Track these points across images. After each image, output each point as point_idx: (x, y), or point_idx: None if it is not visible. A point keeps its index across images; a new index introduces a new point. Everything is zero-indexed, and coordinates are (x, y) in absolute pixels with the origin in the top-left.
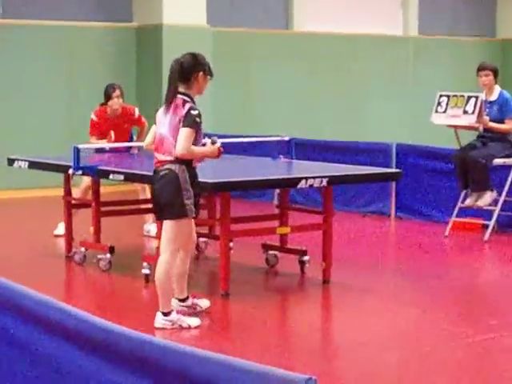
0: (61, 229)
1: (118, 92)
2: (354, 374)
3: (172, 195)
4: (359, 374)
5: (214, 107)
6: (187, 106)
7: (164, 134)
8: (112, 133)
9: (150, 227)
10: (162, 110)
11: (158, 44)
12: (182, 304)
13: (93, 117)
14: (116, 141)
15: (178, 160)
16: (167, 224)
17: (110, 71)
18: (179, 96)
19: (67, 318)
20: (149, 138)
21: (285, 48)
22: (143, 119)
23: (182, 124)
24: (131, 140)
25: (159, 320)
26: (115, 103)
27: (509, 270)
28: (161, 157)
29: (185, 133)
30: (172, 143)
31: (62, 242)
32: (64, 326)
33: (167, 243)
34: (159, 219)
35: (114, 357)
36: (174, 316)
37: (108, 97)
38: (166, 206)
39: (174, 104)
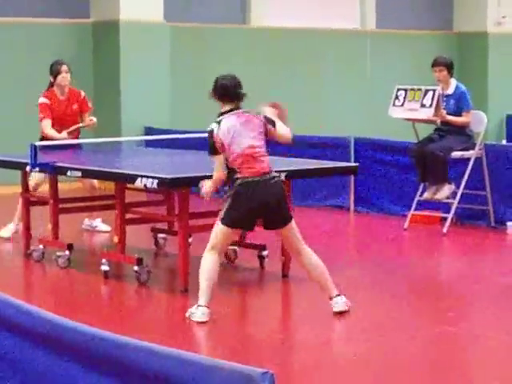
0: (6, 231)
1: (65, 67)
2: (312, 369)
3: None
4: (317, 368)
5: (172, 103)
6: None
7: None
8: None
9: (96, 223)
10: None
11: (115, 40)
12: None
13: (43, 100)
14: (67, 124)
15: None
16: (293, 223)
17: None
18: None
19: (24, 315)
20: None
21: (242, 43)
22: (89, 104)
23: None
24: (78, 130)
25: (340, 303)
26: (64, 79)
27: (467, 262)
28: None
29: None
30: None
31: (19, 240)
32: (21, 324)
33: (301, 239)
34: (285, 224)
35: (72, 354)
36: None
37: (56, 73)
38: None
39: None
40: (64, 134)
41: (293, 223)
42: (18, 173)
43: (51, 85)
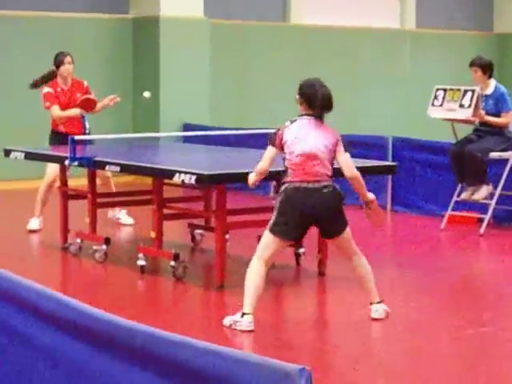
0: (34, 223)
1: (69, 58)
2: (349, 366)
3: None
4: (354, 366)
5: (212, 99)
6: None
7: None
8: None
9: (119, 215)
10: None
11: (155, 36)
12: None
13: (47, 89)
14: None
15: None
16: (346, 233)
17: (106, 63)
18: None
19: (64, 308)
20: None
21: (282, 40)
22: (92, 94)
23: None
24: (84, 121)
25: (380, 310)
26: (67, 69)
27: (504, 263)
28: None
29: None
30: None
31: (56, 234)
32: (60, 317)
33: (354, 245)
34: (338, 235)
35: (111, 347)
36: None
37: (59, 63)
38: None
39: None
40: (76, 110)
41: (345, 233)
42: (37, 167)
43: (54, 75)
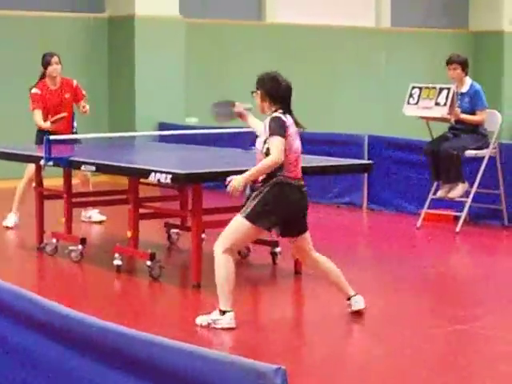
0: (10, 219)
1: (56, 58)
2: (324, 365)
3: None
4: (330, 365)
5: (187, 99)
6: None
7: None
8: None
9: (91, 213)
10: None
11: (130, 35)
12: None
13: (35, 90)
14: (62, 113)
15: None
16: (307, 234)
17: (81, 63)
18: None
19: (38, 309)
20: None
21: (257, 39)
22: (83, 91)
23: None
24: (73, 120)
25: (360, 301)
26: (55, 70)
27: (480, 261)
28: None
29: None
30: None
31: (32, 234)
32: (34, 317)
33: (312, 247)
34: (305, 231)
35: (84, 347)
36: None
37: (47, 64)
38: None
39: None
40: (48, 123)
41: (307, 234)
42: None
43: (43, 76)
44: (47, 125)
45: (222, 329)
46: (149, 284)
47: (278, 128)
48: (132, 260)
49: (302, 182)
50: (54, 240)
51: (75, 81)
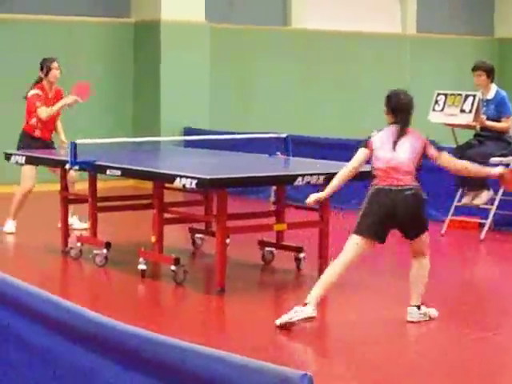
0: (10, 226)
1: (56, 64)
2: (349, 371)
3: (424, 211)
4: (355, 371)
5: (212, 104)
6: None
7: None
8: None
9: (72, 220)
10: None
11: (156, 40)
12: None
13: (35, 91)
14: (51, 121)
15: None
16: (424, 237)
17: (107, 67)
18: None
19: (63, 312)
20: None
21: (283, 45)
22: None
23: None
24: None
25: (414, 314)
26: (55, 75)
27: (505, 269)
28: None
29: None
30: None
31: (57, 237)
32: (59, 321)
33: (426, 249)
34: (418, 235)
35: (110, 352)
36: (424, 309)
37: (48, 69)
38: (424, 221)
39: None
40: (56, 107)
41: (424, 236)
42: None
43: (40, 80)
44: (55, 108)
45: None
46: (173, 289)
47: (362, 142)
48: (156, 265)
49: (400, 187)
50: (79, 244)
51: (62, 88)
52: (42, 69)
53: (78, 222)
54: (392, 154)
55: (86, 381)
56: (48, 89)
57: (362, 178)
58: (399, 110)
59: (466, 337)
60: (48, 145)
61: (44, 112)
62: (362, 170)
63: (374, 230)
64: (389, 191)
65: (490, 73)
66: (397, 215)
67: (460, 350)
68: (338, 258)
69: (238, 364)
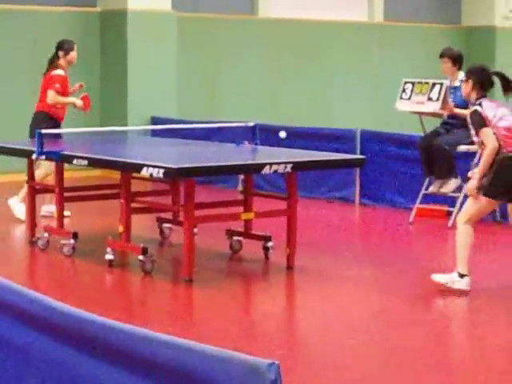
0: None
1: (76, 46)
2: (317, 359)
3: None
4: (322, 359)
5: (180, 93)
6: None
7: None
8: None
9: (51, 208)
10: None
11: (122, 29)
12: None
13: (60, 72)
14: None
15: None
16: None
17: None
18: None
19: (29, 303)
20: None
21: (250, 34)
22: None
23: None
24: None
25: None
26: (75, 56)
27: (472, 256)
28: None
29: None
30: None
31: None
32: (26, 311)
33: None
34: None
35: (76, 341)
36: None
37: (69, 50)
38: None
39: None
40: (66, 100)
41: None
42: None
43: (55, 61)
44: (70, 100)
45: (459, 290)
46: (141, 278)
47: (477, 123)
48: (124, 255)
49: None
50: (46, 234)
51: None
52: (61, 49)
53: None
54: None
55: (50, 370)
56: (66, 69)
57: (329, 166)
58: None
59: (429, 326)
60: (58, 126)
61: (54, 97)
62: (327, 158)
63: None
64: None
65: (456, 60)
66: None
67: (421, 341)
68: None
69: (205, 354)
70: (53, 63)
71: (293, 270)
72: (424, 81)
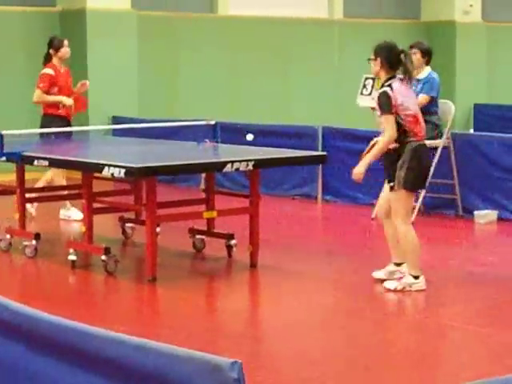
0: (78, 213)
1: (66, 41)
2: (281, 357)
3: None
4: (286, 356)
5: (141, 92)
6: None
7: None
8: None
9: (70, 213)
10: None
11: (82, 28)
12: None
13: (48, 71)
14: (67, 94)
15: None
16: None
17: (32, 57)
18: None
19: None
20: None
21: (210, 32)
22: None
23: None
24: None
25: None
26: (67, 52)
27: (435, 251)
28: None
29: None
30: None
31: None
32: None
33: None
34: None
35: (39, 344)
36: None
37: (59, 46)
38: None
39: None
40: (51, 98)
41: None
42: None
43: (49, 58)
44: (58, 98)
45: (419, 291)
46: (104, 279)
47: (384, 106)
48: (87, 255)
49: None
50: (8, 236)
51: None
52: (51, 46)
53: (77, 213)
54: (414, 105)
55: (11, 373)
56: (58, 65)
57: (291, 163)
58: (399, 61)
59: (396, 320)
60: (68, 125)
61: (38, 97)
62: (289, 155)
63: None
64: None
65: (424, 53)
66: None
67: (386, 334)
68: None
69: (167, 353)
70: (45, 61)
71: (256, 268)
72: None
